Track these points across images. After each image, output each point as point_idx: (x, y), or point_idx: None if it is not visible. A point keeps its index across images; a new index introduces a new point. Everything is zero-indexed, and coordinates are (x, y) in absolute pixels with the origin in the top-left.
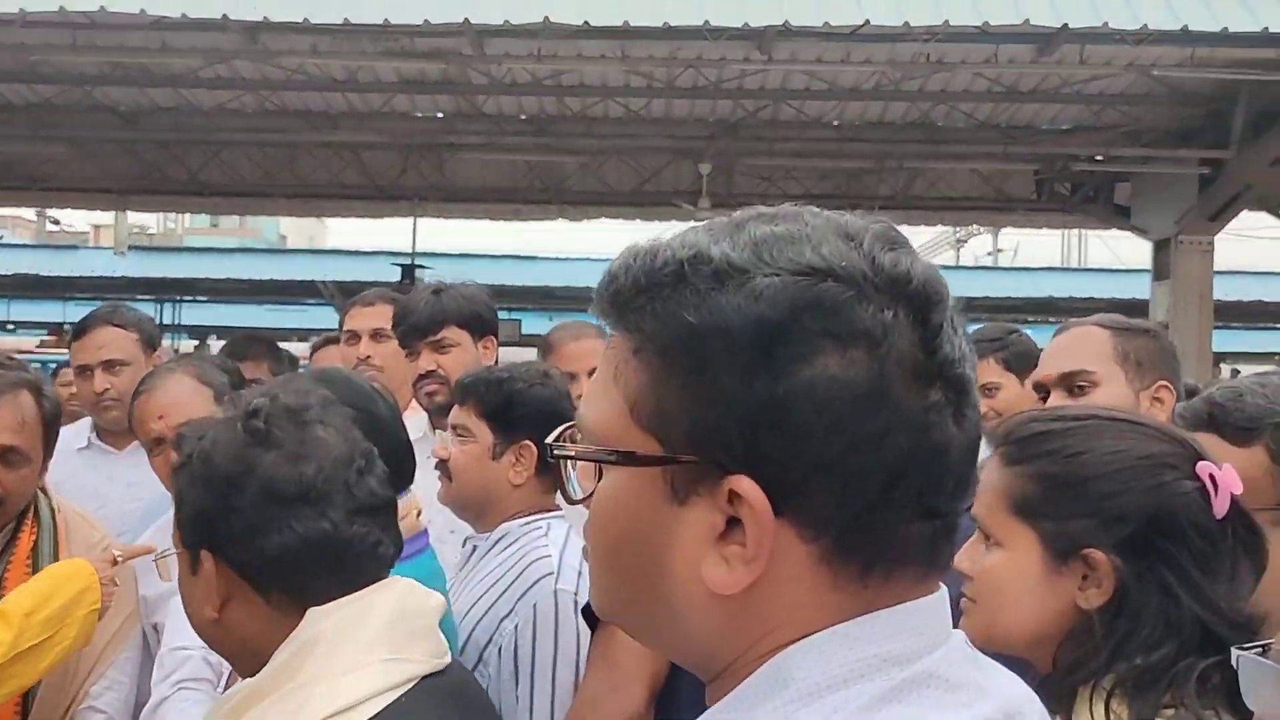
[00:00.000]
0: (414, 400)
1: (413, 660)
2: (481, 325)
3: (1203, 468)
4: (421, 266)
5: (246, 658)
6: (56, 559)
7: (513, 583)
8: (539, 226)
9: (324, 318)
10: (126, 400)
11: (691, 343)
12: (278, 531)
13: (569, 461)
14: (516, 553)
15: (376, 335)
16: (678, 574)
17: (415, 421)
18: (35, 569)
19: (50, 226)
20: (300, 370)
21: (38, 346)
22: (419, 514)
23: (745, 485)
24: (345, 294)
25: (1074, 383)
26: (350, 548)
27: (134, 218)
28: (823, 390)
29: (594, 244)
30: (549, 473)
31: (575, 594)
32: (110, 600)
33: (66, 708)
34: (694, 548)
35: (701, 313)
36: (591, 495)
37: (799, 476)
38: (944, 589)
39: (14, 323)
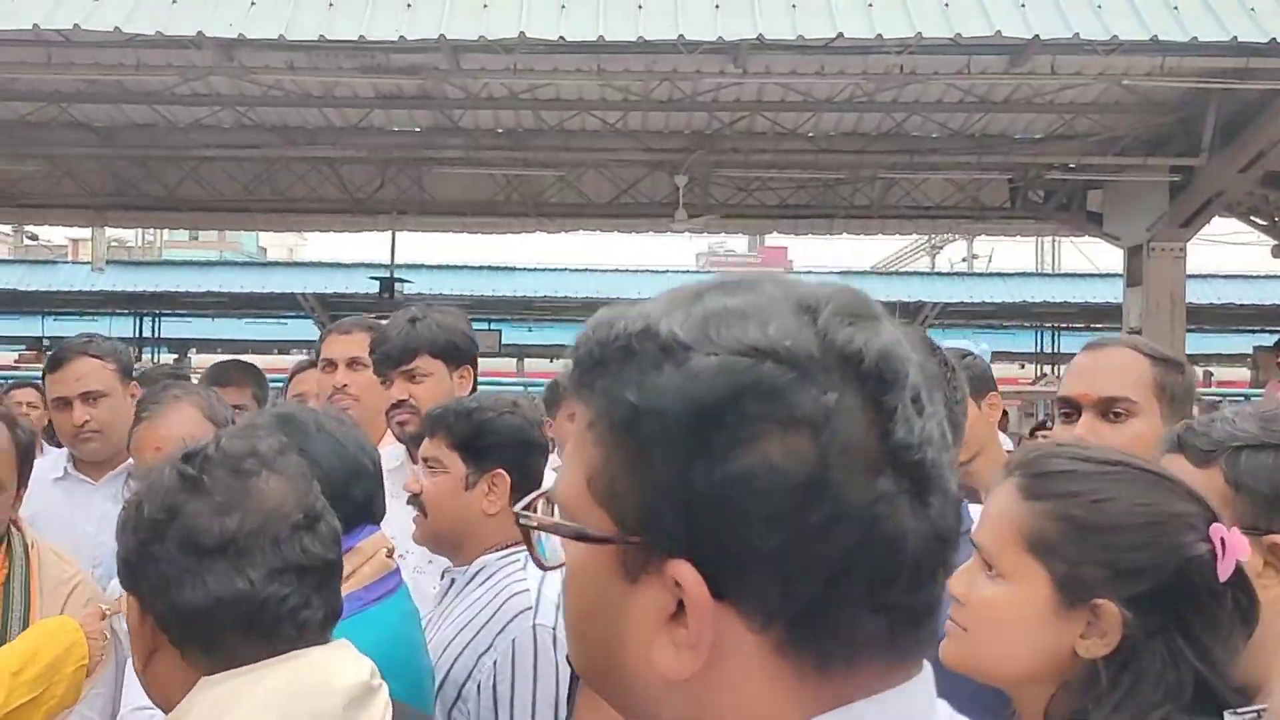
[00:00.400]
0: (389, 437)
1: None
2: (457, 354)
3: (1215, 530)
4: (401, 280)
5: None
6: (27, 594)
7: (491, 617)
8: (518, 238)
9: (303, 330)
10: (107, 431)
11: (633, 423)
12: (190, 585)
13: (535, 532)
14: (494, 587)
15: (353, 364)
16: (632, 653)
17: (391, 452)
18: (5, 603)
19: (28, 241)
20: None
21: (16, 361)
22: (390, 553)
23: (683, 570)
24: (325, 306)
25: (1113, 409)
26: (266, 609)
27: (112, 232)
28: (761, 479)
29: (573, 255)
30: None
31: (554, 629)
32: (100, 655)
33: None
34: (645, 628)
35: (642, 393)
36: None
37: (738, 565)
38: (927, 668)
39: None
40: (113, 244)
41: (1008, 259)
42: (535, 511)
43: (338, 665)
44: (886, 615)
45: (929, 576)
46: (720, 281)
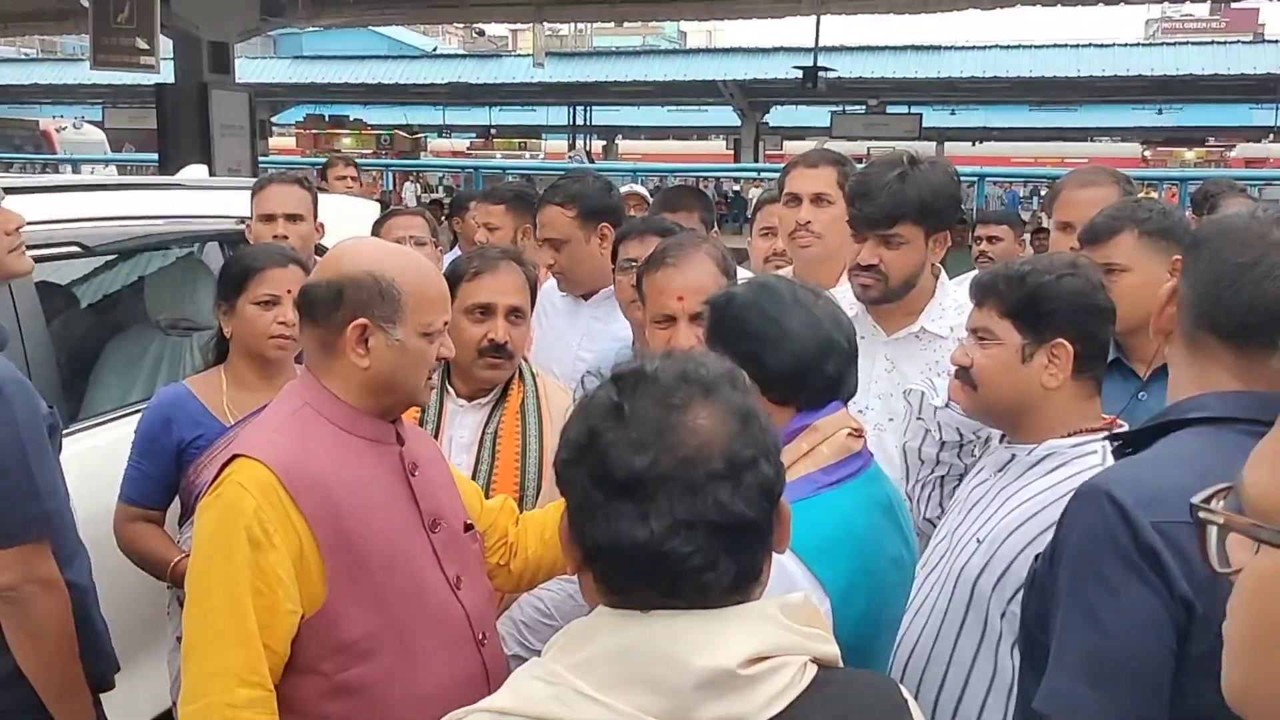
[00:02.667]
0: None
1: (610, 708)
2: (939, 221)
3: None
4: (823, 69)
5: None
6: (539, 414)
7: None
8: (945, 16)
9: (723, 117)
10: (569, 274)
11: None
12: (596, 520)
13: (1213, 528)
14: (1068, 480)
15: (818, 200)
16: None
17: (847, 291)
18: (524, 421)
19: (475, 35)
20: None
21: (468, 149)
22: (858, 433)
23: None
24: (744, 93)
25: None
26: (665, 563)
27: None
28: None
29: (1003, 32)
30: (1089, 375)
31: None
32: None
33: None
34: None
35: None
36: (1238, 570)
37: None
38: None
39: (449, 127)
40: (548, 34)
41: None
42: (1217, 505)
43: (708, 639)
44: None
45: None
46: None
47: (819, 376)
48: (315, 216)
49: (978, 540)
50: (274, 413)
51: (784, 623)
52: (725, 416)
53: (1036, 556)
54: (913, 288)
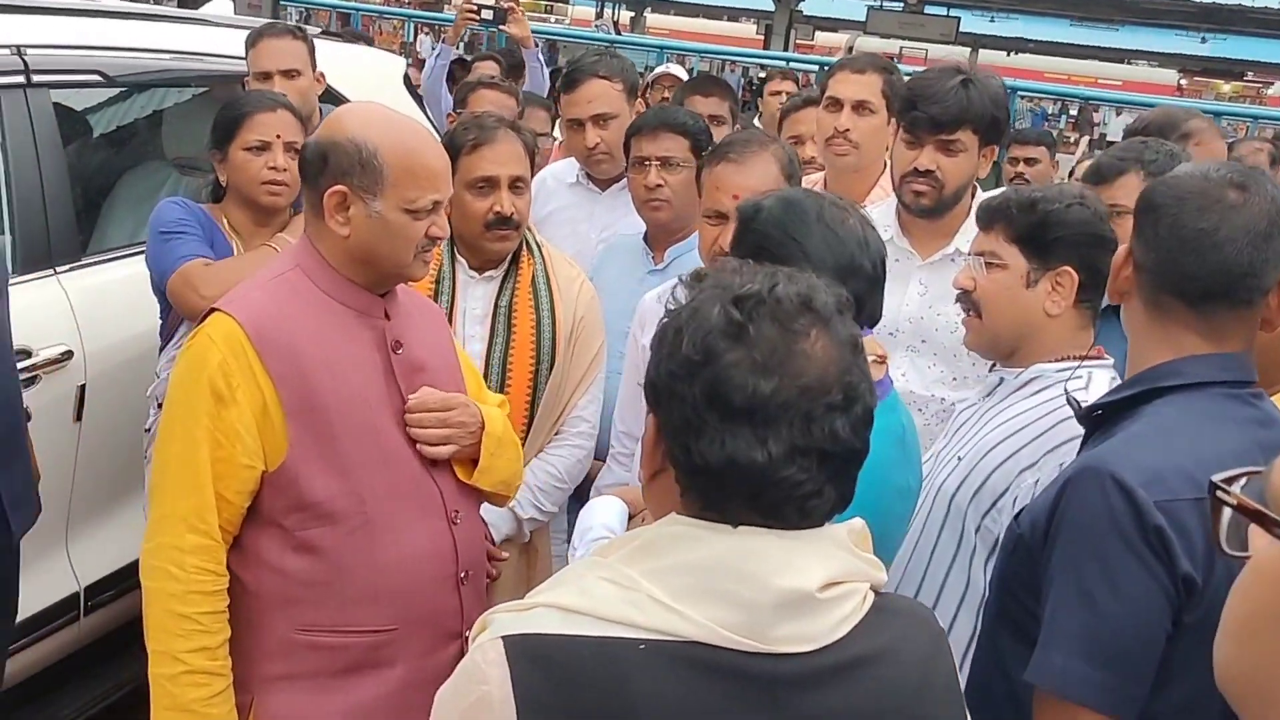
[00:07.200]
0: (879, 190)
1: (685, 617)
2: (994, 133)
3: None
4: None
5: None
6: (550, 287)
7: (1042, 433)
8: None
9: (761, 1)
10: (615, 152)
11: None
12: (708, 439)
13: (1226, 509)
14: (1049, 402)
15: (860, 108)
16: None
17: (883, 212)
18: (536, 295)
19: None
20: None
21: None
22: (881, 359)
23: None
24: None
25: None
26: (776, 489)
27: None
28: None
29: None
30: (1088, 305)
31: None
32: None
33: (559, 414)
34: None
35: None
36: (1248, 555)
37: None
38: None
39: None
40: None
41: None
42: (1235, 488)
43: (789, 561)
44: None
45: None
46: None
47: (876, 300)
48: (314, 68)
49: (959, 458)
50: (267, 271)
51: (853, 550)
52: (840, 345)
53: (1017, 516)
54: (959, 201)
